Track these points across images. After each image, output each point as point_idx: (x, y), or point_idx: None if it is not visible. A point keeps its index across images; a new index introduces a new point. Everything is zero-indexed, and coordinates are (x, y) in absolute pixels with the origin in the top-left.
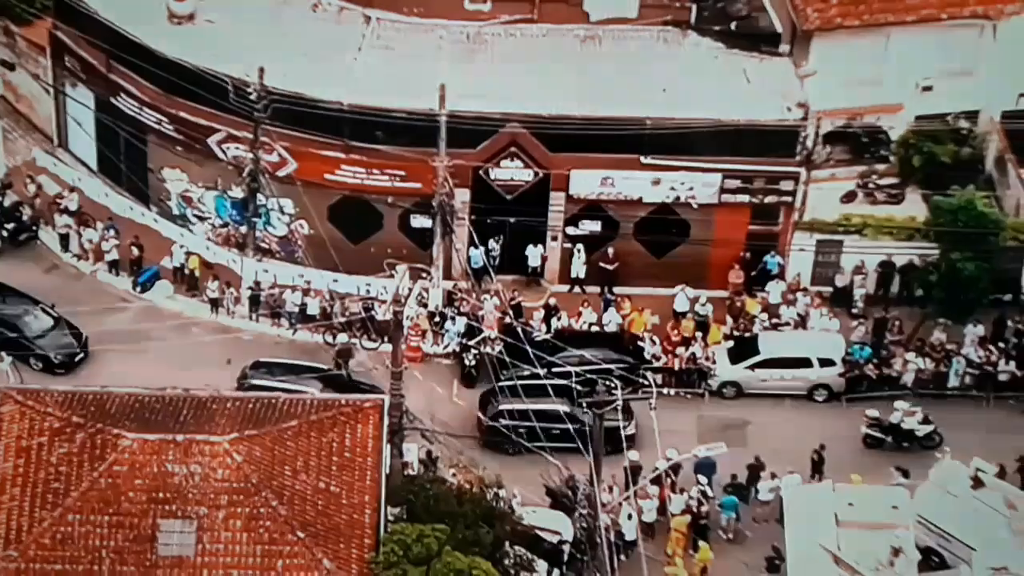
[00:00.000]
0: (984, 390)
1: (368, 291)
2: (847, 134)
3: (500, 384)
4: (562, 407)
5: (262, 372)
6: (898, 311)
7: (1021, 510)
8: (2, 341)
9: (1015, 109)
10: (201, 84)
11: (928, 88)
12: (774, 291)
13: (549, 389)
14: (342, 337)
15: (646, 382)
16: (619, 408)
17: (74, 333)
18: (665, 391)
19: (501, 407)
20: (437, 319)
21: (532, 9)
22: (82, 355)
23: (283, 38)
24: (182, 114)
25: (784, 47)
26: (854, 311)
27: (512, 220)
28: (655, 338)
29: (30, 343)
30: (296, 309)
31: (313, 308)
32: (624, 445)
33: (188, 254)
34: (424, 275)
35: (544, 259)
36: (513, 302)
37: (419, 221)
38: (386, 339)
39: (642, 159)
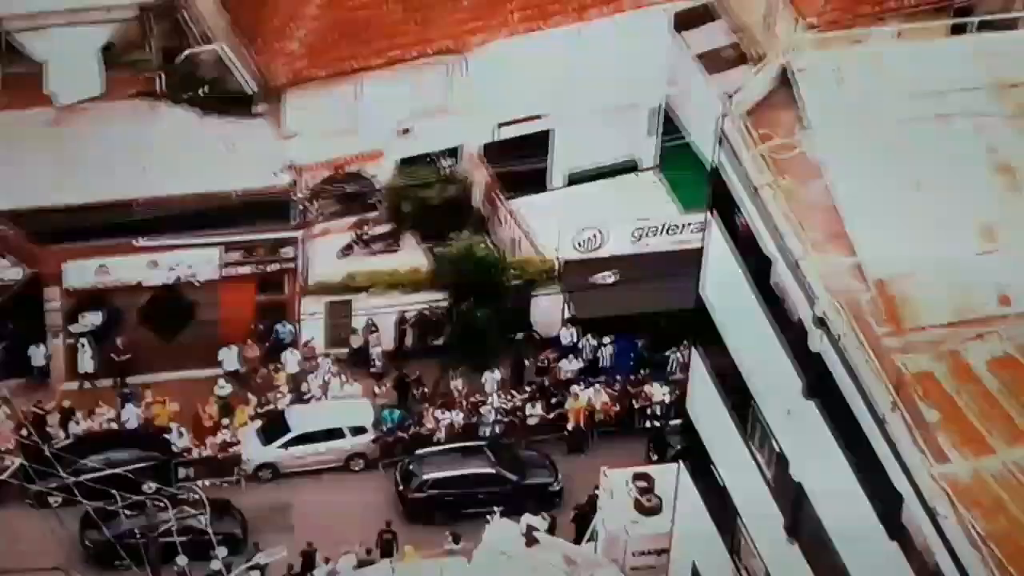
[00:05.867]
0: (515, 436)
1: None
2: (334, 187)
3: None
4: None
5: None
6: (418, 365)
7: (581, 564)
8: None
9: (494, 141)
10: None
11: (407, 131)
12: (290, 361)
13: None
14: None
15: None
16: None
17: None
18: (200, 482)
19: None
20: None
21: None
22: None
23: None
24: None
25: (260, 107)
26: (373, 371)
27: (9, 324)
28: (183, 428)
29: None
30: None
31: None
32: None
33: None
34: None
35: (49, 358)
36: (27, 410)
37: None
38: None
39: (135, 242)
